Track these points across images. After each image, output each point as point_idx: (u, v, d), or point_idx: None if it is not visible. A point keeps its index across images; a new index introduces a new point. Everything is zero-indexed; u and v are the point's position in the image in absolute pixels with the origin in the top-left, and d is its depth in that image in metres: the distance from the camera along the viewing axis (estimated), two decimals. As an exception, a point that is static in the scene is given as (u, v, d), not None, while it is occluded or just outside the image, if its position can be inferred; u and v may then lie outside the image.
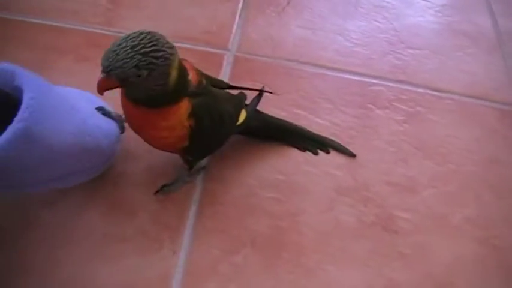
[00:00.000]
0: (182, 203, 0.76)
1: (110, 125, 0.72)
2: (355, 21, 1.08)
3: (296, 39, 1.01)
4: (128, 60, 0.56)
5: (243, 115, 0.77)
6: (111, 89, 0.58)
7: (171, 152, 0.71)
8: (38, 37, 0.94)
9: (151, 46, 0.56)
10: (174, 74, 0.60)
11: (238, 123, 0.76)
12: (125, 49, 0.56)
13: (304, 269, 0.72)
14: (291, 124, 0.85)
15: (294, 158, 0.83)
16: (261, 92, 0.82)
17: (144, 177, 0.77)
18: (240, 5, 1.06)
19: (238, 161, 0.81)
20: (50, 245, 0.70)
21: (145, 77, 0.57)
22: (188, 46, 0.96)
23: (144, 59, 0.56)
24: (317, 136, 0.86)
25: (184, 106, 0.63)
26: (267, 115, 0.83)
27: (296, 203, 0.78)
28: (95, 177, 0.74)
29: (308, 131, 0.86)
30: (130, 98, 0.62)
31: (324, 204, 0.79)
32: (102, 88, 0.58)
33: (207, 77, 0.71)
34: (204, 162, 0.80)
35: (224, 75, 0.92)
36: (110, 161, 0.75)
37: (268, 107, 0.86)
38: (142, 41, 0.56)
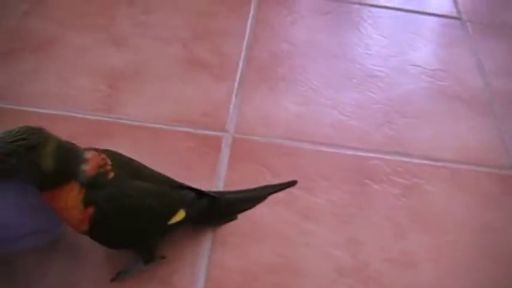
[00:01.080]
0: (186, 293, 0.77)
1: None
2: (349, 92, 1.10)
3: (290, 115, 1.04)
4: None
5: (181, 214, 0.78)
6: None
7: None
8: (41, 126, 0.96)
9: (17, 136, 0.62)
10: (46, 160, 0.63)
11: (173, 221, 0.77)
12: None
13: None
14: (248, 191, 0.90)
15: (293, 240, 0.85)
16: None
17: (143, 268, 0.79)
18: (236, 84, 1.09)
19: (239, 246, 0.83)
20: None
21: (14, 163, 0.61)
22: (187, 130, 0.98)
23: (10, 147, 0.61)
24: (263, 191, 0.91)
25: (73, 191, 0.66)
26: (227, 195, 0.87)
27: (297, 287, 0.79)
28: (97, 271, 0.77)
29: (262, 189, 0.91)
30: None
31: (325, 286, 0.80)
32: None
33: (136, 172, 0.74)
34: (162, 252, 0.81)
35: (223, 158, 0.94)
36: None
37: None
38: (12, 133, 0.62)
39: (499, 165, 1.00)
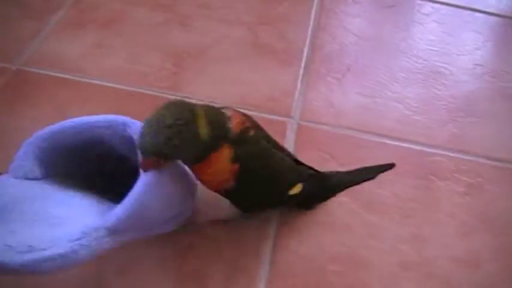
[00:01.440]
0: (252, 276, 0.77)
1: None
2: (414, 88, 1.10)
3: (357, 107, 1.03)
4: (156, 137, 0.61)
5: (298, 187, 0.79)
6: (158, 166, 0.64)
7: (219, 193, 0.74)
8: (109, 100, 0.98)
9: (171, 116, 0.62)
10: (203, 129, 0.64)
11: (292, 193, 0.79)
12: (151, 128, 0.62)
13: None
14: (350, 173, 0.92)
15: (357, 231, 0.84)
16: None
17: (210, 249, 0.79)
18: (301, 71, 1.09)
19: (304, 233, 0.83)
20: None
21: (177, 144, 0.62)
22: (252, 113, 0.97)
23: (170, 130, 0.61)
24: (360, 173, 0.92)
25: (226, 152, 0.68)
26: (334, 176, 0.89)
27: (361, 278, 0.79)
28: (165, 249, 0.78)
29: (361, 171, 0.93)
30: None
31: (389, 279, 0.80)
32: (147, 168, 0.64)
33: (269, 138, 0.76)
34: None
35: (288, 144, 0.94)
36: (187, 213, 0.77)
37: (333, 179, 0.88)
38: (163, 116, 0.62)
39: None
